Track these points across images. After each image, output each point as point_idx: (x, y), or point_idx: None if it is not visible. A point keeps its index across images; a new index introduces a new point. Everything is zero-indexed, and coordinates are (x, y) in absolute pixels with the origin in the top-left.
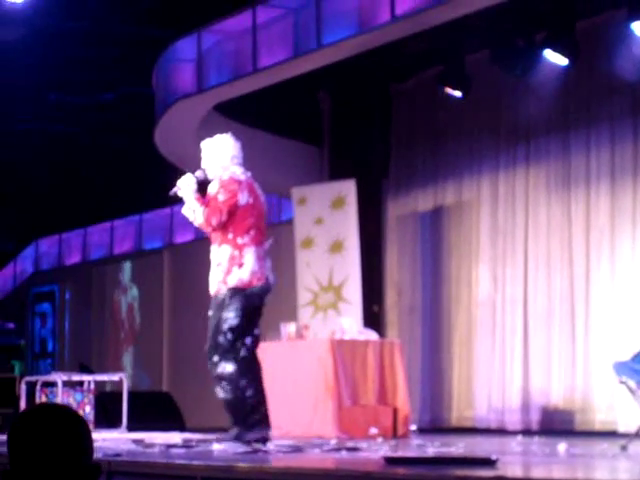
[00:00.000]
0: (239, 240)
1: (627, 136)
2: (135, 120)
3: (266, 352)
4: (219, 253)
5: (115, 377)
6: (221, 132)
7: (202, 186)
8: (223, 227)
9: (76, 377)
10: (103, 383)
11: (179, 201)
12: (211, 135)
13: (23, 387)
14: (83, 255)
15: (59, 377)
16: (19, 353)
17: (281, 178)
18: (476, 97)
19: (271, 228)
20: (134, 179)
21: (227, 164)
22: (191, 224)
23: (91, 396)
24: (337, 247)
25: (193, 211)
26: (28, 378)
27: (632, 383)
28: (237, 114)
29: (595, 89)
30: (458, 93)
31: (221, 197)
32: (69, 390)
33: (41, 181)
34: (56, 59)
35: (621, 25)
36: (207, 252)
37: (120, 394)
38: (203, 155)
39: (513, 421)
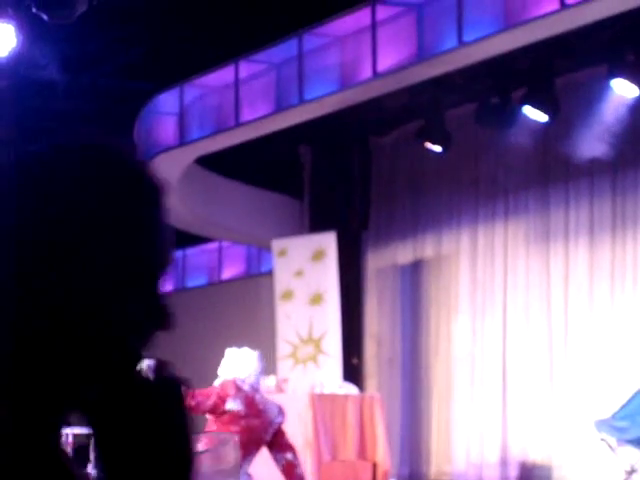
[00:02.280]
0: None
1: (606, 191)
2: None
3: None
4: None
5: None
6: (203, 185)
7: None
8: (203, 414)
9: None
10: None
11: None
12: (193, 188)
13: None
14: None
15: None
16: None
17: (261, 230)
18: (456, 152)
19: (251, 280)
20: None
21: (243, 374)
22: (171, 274)
23: (69, 449)
24: (317, 299)
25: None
26: None
27: (612, 440)
28: (218, 166)
29: (574, 145)
30: (438, 148)
31: (215, 391)
32: None
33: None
34: (37, 111)
35: (601, 81)
36: (186, 303)
37: None
38: (225, 361)
39: (491, 476)
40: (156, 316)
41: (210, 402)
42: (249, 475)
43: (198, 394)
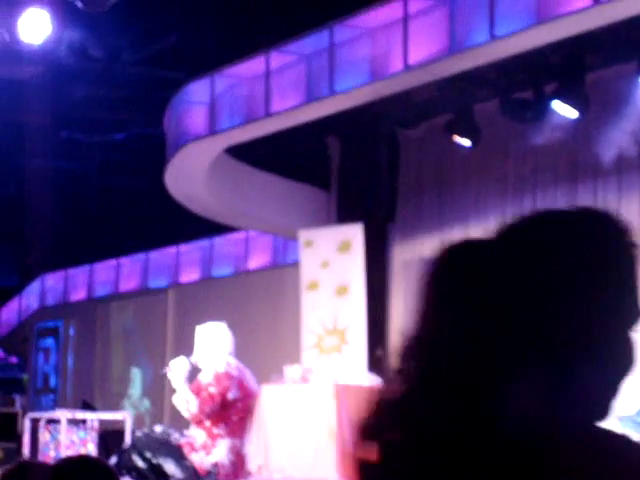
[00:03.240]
0: (214, 430)
1: (634, 188)
2: (145, 160)
3: (269, 395)
4: (194, 433)
5: (119, 416)
6: (232, 175)
7: (193, 373)
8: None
9: (80, 415)
10: (106, 421)
11: (185, 241)
12: (221, 177)
13: (27, 423)
14: (88, 292)
15: (63, 415)
16: (21, 387)
17: (288, 220)
18: (484, 146)
19: (277, 270)
20: (141, 217)
21: (221, 355)
22: (197, 263)
23: (94, 434)
24: (343, 290)
25: (186, 401)
26: (32, 414)
27: (636, 436)
28: (247, 157)
29: (603, 141)
30: (467, 142)
31: (212, 389)
32: (72, 427)
33: (49, 217)
34: (69, 98)
35: (631, 78)
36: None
37: (123, 433)
38: (197, 341)
39: None
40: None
41: (217, 405)
42: (246, 455)
43: (202, 403)
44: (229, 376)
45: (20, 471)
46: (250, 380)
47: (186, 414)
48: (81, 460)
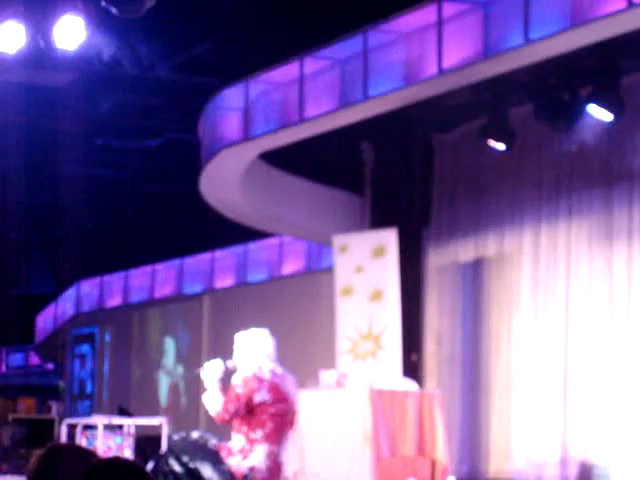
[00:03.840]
0: (251, 435)
1: None
2: (179, 166)
3: (305, 400)
4: (233, 439)
5: (155, 421)
6: (266, 181)
7: (228, 376)
8: (240, 418)
9: (116, 420)
10: (142, 427)
11: (220, 247)
12: (255, 183)
13: (64, 430)
14: (124, 298)
15: (100, 420)
16: (57, 394)
17: (323, 226)
18: (519, 150)
19: (311, 275)
20: (176, 224)
21: (259, 360)
22: (232, 269)
23: (131, 439)
24: (377, 295)
25: (214, 400)
26: (69, 420)
27: None
28: (281, 162)
29: (638, 144)
30: (502, 146)
31: (239, 390)
32: (109, 433)
33: (84, 224)
34: (103, 105)
35: None
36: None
37: (159, 438)
38: (236, 347)
39: (551, 475)
40: None
41: (242, 405)
42: (283, 462)
43: (227, 402)
44: (258, 378)
45: (53, 454)
46: (288, 386)
47: (212, 413)
48: (112, 462)
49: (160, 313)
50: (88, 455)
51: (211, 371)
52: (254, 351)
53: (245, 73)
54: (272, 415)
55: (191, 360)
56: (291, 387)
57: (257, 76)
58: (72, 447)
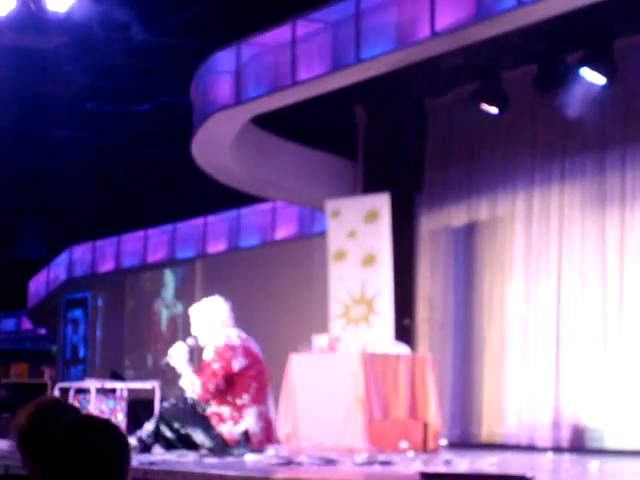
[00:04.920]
0: (238, 401)
1: None
2: (171, 130)
3: (298, 364)
4: (221, 409)
5: (148, 385)
6: (258, 145)
7: (195, 353)
8: (222, 391)
9: (109, 384)
10: (135, 391)
11: (212, 212)
12: (248, 147)
13: (56, 393)
14: (116, 263)
15: (92, 384)
16: (50, 359)
17: (315, 190)
18: (512, 113)
19: (304, 240)
20: (168, 188)
21: (219, 328)
22: (224, 234)
23: (123, 403)
24: (370, 260)
25: (191, 383)
26: (61, 384)
27: None
28: (273, 126)
29: (632, 108)
30: (494, 109)
31: (216, 365)
32: (101, 397)
33: (76, 188)
34: (94, 68)
35: None
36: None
37: (152, 402)
38: (193, 321)
39: (543, 438)
40: None
41: (220, 381)
42: (273, 420)
43: (205, 382)
44: (230, 347)
45: (40, 410)
46: (255, 347)
47: (194, 396)
48: (86, 420)
49: (152, 277)
50: (72, 410)
51: (177, 355)
52: (213, 321)
53: (237, 36)
54: (253, 377)
55: (186, 328)
56: (257, 348)
57: (249, 39)
58: (57, 402)
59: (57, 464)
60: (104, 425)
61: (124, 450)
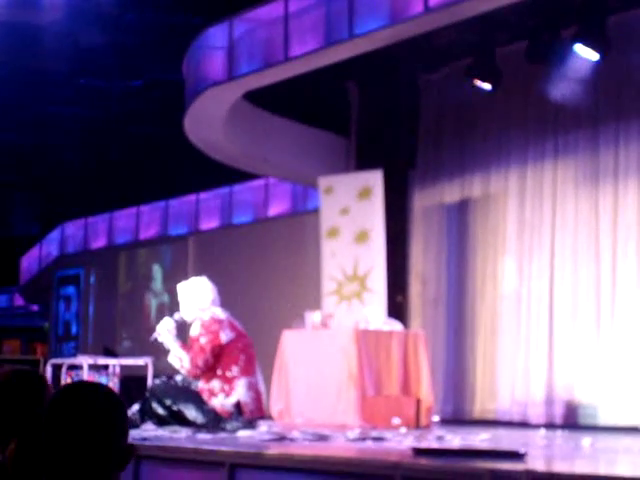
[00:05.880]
0: (228, 374)
1: None
2: (164, 107)
3: (290, 340)
4: (211, 384)
5: (140, 361)
6: (250, 121)
7: (183, 328)
8: (211, 366)
9: (102, 360)
10: (128, 367)
11: (205, 189)
12: (240, 123)
13: (49, 369)
14: (109, 239)
15: (85, 360)
16: (42, 335)
17: (308, 167)
18: (505, 90)
19: (297, 217)
20: (161, 165)
21: (206, 307)
22: (217, 211)
23: (116, 380)
24: (363, 237)
25: (179, 359)
26: (53, 361)
27: None
28: (265, 102)
29: (625, 84)
30: (487, 85)
31: (203, 340)
32: (94, 373)
33: (69, 165)
34: (87, 44)
35: None
36: (232, 240)
37: (145, 378)
38: (180, 298)
39: (536, 414)
40: None
41: (208, 355)
42: (262, 392)
43: (194, 357)
44: (217, 320)
45: (12, 378)
46: (240, 326)
47: (183, 372)
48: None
49: (146, 253)
50: (44, 381)
51: (165, 331)
52: (200, 300)
53: (229, 12)
54: (241, 349)
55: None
56: (241, 327)
57: (242, 15)
58: (31, 372)
59: (52, 430)
60: (99, 388)
61: (122, 410)
